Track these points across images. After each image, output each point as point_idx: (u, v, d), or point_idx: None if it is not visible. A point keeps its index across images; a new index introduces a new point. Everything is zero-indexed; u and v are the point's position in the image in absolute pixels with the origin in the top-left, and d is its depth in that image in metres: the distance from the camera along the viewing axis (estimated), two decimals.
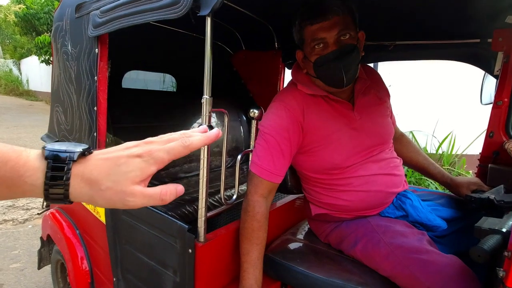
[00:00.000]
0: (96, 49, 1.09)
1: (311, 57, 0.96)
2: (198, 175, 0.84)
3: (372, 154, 1.01)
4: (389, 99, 1.18)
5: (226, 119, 1.03)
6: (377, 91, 1.11)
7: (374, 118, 1.04)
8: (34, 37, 9.56)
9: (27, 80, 15.34)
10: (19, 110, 10.35)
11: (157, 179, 1.73)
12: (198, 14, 0.75)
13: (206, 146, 0.82)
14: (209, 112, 0.82)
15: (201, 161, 0.83)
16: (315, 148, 1.00)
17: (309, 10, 0.93)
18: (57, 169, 0.33)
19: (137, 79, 2.29)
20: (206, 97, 0.80)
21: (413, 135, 3.39)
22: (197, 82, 0.79)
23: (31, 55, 13.04)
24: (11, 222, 2.79)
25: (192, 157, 1.86)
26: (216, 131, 0.41)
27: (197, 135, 0.39)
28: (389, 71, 2.91)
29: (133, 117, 1.67)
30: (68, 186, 0.33)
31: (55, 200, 0.34)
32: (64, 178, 0.33)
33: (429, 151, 3.56)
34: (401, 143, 1.30)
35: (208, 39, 0.78)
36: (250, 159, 1.06)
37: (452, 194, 1.19)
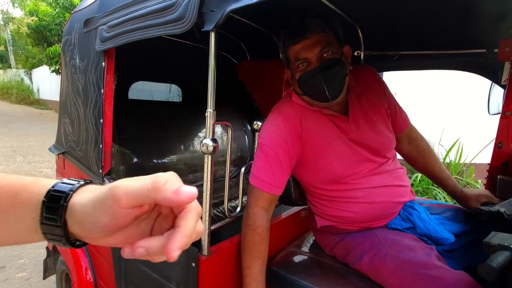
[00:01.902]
0: (103, 63, 1.11)
1: (296, 75, 0.97)
2: (202, 185, 0.84)
3: (374, 167, 1.00)
4: (387, 98, 1.13)
5: (230, 132, 1.03)
6: (372, 94, 1.08)
7: (371, 128, 1.02)
8: (45, 47, 9.82)
9: (38, 90, 15.69)
10: (30, 118, 10.57)
11: None
12: (202, 30, 0.76)
13: (209, 158, 0.82)
14: (213, 125, 0.82)
15: (205, 174, 0.83)
16: (315, 158, 0.99)
17: (291, 30, 0.96)
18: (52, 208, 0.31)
19: (143, 90, 2.33)
20: (210, 111, 0.81)
21: None
22: (202, 92, 0.80)
23: (42, 65, 13.37)
24: None
25: (197, 167, 1.87)
26: (190, 193, 0.29)
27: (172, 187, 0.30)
28: (395, 79, 2.90)
29: (139, 128, 1.69)
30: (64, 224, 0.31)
31: (56, 241, 0.32)
32: (58, 215, 0.31)
33: None
34: (418, 148, 1.23)
35: (212, 53, 0.79)
36: None
37: (460, 206, 1.16)
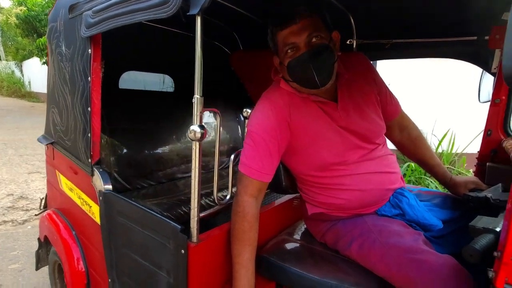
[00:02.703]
0: (89, 50, 1.09)
1: (285, 61, 0.96)
2: None
3: (363, 153, 1.00)
4: (377, 85, 1.12)
5: (218, 119, 1.02)
6: (362, 81, 1.07)
7: (361, 114, 1.02)
8: (35, 39, 9.61)
9: (29, 82, 15.42)
10: (21, 111, 10.40)
11: (154, 179, 1.73)
12: (187, 14, 0.75)
13: (197, 145, 0.82)
14: (201, 112, 0.82)
15: (193, 161, 0.82)
16: (304, 145, 0.99)
17: (278, 16, 0.95)
18: None
19: (136, 80, 2.30)
20: (197, 97, 0.80)
21: None
22: (194, 83, 0.79)
23: (32, 57, 13.11)
24: (10, 223, 2.80)
25: (189, 157, 1.86)
26: None
27: None
28: (388, 70, 2.90)
29: (129, 118, 1.67)
30: None
31: None
32: None
33: None
34: (410, 137, 1.23)
35: (198, 38, 0.78)
36: None
37: (449, 193, 1.17)
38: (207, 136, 2.24)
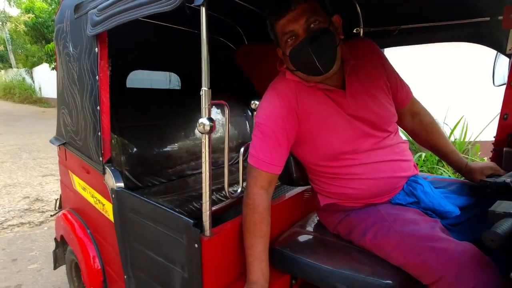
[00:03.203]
0: (96, 48, 1.10)
1: (286, 51, 0.95)
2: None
3: (375, 142, 0.97)
4: (387, 71, 1.08)
5: (227, 111, 1.01)
6: (370, 67, 1.04)
7: (371, 101, 0.99)
8: (44, 45, 9.80)
9: (40, 88, 15.73)
10: (33, 117, 10.64)
11: (164, 177, 1.74)
12: (192, 5, 0.74)
13: (207, 138, 0.81)
14: (209, 105, 0.81)
15: (203, 154, 0.82)
16: (313, 135, 0.97)
17: (274, 5, 0.93)
18: None
19: (142, 79, 2.32)
20: (204, 89, 0.79)
21: None
22: (200, 80, 0.78)
23: (42, 63, 13.37)
24: (27, 224, 2.87)
25: (198, 154, 1.87)
26: None
27: None
28: (398, 58, 2.83)
29: (138, 116, 1.68)
30: None
31: None
32: None
33: None
34: (422, 123, 1.19)
35: (204, 30, 0.77)
36: None
37: (465, 180, 1.14)
38: (215, 132, 2.23)
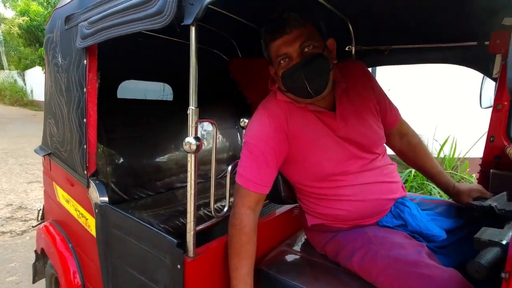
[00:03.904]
0: (85, 61, 1.08)
1: (279, 72, 0.95)
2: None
3: (363, 163, 0.97)
4: (376, 94, 1.10)
5: (215, 129, 1.00)
6: (360, 90, 1.05)
7: (360, 124, 1.00)
8: (37, 48, 9.73)
9: (31, 91, 15.52)
10: (24, 120, 10.45)
11: (152, 189, 1.71)
12: (182, 24, 0.74)
13: (193, 157, 0.80)
14: (196, 123, 0.80)
15: (189, 173, 0.80)
16: (302, 155, 0.97)
17: (270, 26, 0.93)
18: None
19: (136, 89, 2.30)
20: (192, 108, 0.79)
21: None
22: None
23: (35, 66, 13.24)
24: (8, 234, 2.77)
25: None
26: None
27: None
28: (388, 76, 2.88)
29: (127, 127, 1.66)
30: None
31: None
32: None
33: None
34: (409, 144, 1.20)
35: (193, 48, 0.77)
36: None
37: (453, 201, 1.15)
38: (206, 144, 2.20)
